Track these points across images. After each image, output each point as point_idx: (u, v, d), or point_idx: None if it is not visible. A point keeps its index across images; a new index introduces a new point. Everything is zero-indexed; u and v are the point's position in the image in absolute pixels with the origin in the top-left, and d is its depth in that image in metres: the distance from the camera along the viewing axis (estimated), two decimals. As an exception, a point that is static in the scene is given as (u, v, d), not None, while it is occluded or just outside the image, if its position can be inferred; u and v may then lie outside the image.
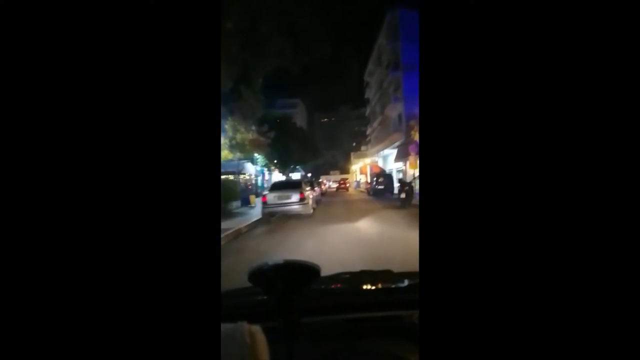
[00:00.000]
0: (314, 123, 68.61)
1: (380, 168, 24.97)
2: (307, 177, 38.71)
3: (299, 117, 55.16)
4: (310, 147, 28.60)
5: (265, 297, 0.63)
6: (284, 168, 26.70)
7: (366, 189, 22.33)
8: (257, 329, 0.40)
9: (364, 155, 37.37)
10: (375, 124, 32.26)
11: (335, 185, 36.36)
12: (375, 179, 18.31)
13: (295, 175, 32.77)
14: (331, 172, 56.92)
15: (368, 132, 37.14)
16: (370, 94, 35.26)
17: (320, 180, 31.51)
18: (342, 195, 22.46)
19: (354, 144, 51.69)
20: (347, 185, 35.26)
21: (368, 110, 36.44)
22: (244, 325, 0.40)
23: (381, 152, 27.92)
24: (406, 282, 0.96)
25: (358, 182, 33.20)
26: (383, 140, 26.91)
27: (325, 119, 71.44)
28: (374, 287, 0.98)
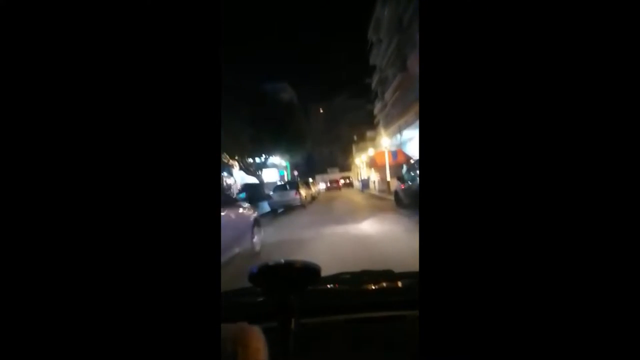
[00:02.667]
0: (308, 115, 58.56)
1: (407, 155, 14.59)
2: (294, 176, 28.47)
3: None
4: (291, 130, 18.15)
5: (265, 298, 0.62)
6: (243, 159, 16.38)
7: (393, 191, 10.92)
8: (257, 329, 0.41)
9: (369, 145, 27.13)
10: (388, 95, 21.86)
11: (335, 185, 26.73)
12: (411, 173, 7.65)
13: (271, 174, 22.39)
14: (329, 170, 47.19)
15: (376, 111, 26.72)
16: (377, 57, 24.90)
17: (309, 180, 21.13)
18: (336, 204, 11.97)
19: (355, 138, 41.65)
20: (340, 185, 28.29)
21: (375, 80, 26.03)
22: (244, 325, 0.40)
23: (398, 135, 17.55)
24: (406, 282, 0.96)
25: (366, 182, 21.95)
26: (404, 112, 16.51)
27: (321, 110, 61.06)
28: (374, 287, 0.97)
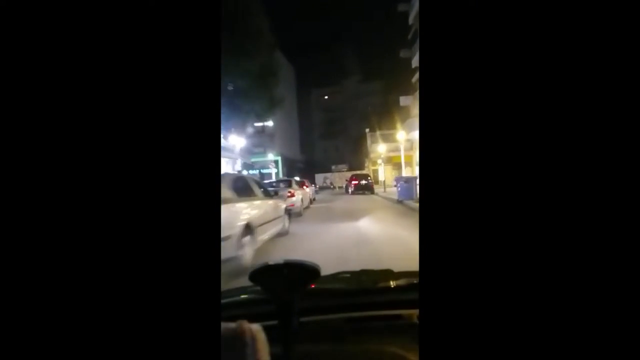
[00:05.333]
0: (311, 102, 47.42)
1: None
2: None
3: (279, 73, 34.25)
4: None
5: (265, 297, 0.63)
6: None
7: None
8: (257, 328, 0.41)
9: (400, 123, 15.82)
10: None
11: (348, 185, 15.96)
12: None
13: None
14: (334, 168, 35.91)
15: (416, 60, 15.30)
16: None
17: (296, 179, 10.12)
18: None
19: (367, 130, 30.74)
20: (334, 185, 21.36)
21: (414, 11, 14.70)
22: (244, 325, 0.40)
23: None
24: (406, 282, 0.95)
25: (410, 183, 9.83)
26: None
27: (327, 97, 49.78)
28: (374, 287, 0.96)
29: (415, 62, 15.61)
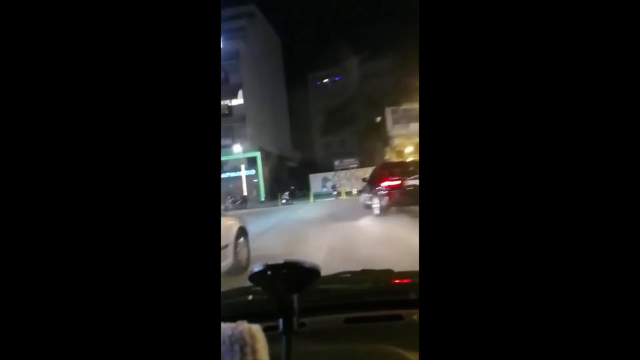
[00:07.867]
0: (307, 88, 38.13)
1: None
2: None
3: (252, 35, 24.89)
4: None
5: (265, 297, 0.64)
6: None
7: None
8: (257, 328, 0.41)
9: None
10: None
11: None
12: None
13: None
14: (337, 165, 26.66)
15: None
16: None
17: None
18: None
19: (378, 119, 21.73)
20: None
21: None
22: (244, 325, 0.40)
23: None
24: (406, 281, 0.97)
25: None
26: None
27: (326, 80, 40.37)
28: (374, 287, 0.99)
29: None
